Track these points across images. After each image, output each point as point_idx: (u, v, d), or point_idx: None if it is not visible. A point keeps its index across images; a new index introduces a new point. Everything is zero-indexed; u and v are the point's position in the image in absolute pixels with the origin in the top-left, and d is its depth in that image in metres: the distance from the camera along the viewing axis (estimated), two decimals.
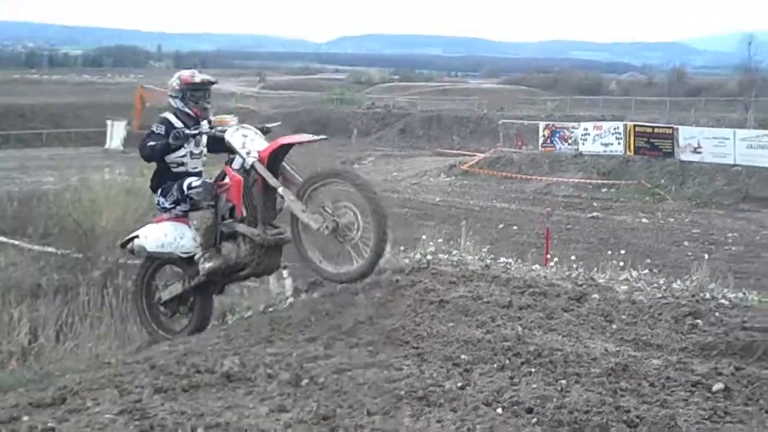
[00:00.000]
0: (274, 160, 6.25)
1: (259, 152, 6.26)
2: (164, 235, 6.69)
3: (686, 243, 18.16)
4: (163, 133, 6.46)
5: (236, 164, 6.36)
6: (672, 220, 21.41)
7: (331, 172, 6.22)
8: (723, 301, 5.80)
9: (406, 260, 7.02)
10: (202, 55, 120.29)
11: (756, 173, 25.01)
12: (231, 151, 6.40)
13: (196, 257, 6.61)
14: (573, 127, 32.63)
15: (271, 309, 6.78)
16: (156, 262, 6.98)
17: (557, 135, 32.76)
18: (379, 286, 6.14)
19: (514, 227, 20.98)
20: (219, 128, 6.51)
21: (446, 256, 7.17)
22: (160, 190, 6.76)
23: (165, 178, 6.73)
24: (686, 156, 27.22)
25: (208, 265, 6.53)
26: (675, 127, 28.74)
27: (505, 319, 5.28)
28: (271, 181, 6.17)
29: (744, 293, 6.20)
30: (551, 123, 35.10)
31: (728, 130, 27.78)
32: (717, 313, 5.39)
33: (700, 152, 26.84)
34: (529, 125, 36.15)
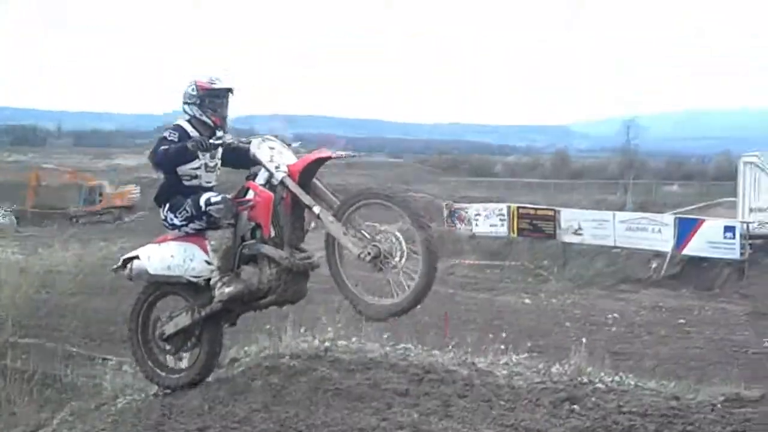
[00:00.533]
0: (306, 175, 5.71)
1: (288, 167, 5.72)
2: (171, 257, 6.03)
3: (568, 324, 18.58)
4: (176, 140, 5.87)
5: (261, 179, 5.79)
6: (554, 300, 22.05)
7: (376, 192, 5.56)
8: (600, 385, 5.92)
9: (305, 344, 6.99)
10: (104, 134, 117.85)
11: (634, 255, 26.09)
12: (253, 164, 5.88)
13: (213, 281, 5.93)
14: (467, 209, 33.51)
15: (163, 393, 6.37)
16: (156, 291, 6.32)
17: (455, 215, 33.57)
18: (276, 371, 6.10)
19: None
20: (243, 140, 5.98)
21: (345, 343, 7.15)
22: (168, 205, 6.08)
23: (174, 192, 6.06)
24: (568, 238, 28.23)
25: (227, 290, 5.85)
26: (557, 209, 29.76)
27: (401, 406, 5.35)
28: (305, 199, 5.63)
29: (620, 377, 6.36)
30: (450, 203, 36.00)
31: (608, 213, 28.96)
32: (594, 398, 5.51)
33: (581, 234, 27.89)
34: (434, 203, 36.78)
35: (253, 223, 5.84)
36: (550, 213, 29.41)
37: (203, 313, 6.08)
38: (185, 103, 6.13)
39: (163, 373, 6.37)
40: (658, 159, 69.78)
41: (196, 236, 6.12)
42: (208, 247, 6.13)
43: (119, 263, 6.30)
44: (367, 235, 5.46)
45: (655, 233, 25.96)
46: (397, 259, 5.33)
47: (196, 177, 6.09)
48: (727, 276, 23.68)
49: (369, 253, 5.36)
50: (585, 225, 27.96)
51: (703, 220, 25.30)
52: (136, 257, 6.18)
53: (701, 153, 77.35)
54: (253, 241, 5.85)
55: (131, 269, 6.20)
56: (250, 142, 5.92)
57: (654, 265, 25.30)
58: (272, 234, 5.78)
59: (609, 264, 26.11)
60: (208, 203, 5.85)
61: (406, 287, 5.34)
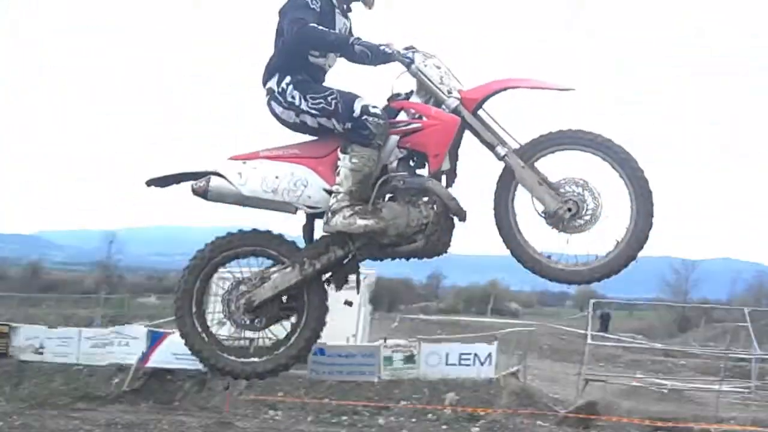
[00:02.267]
0: (477, 109, 4.80)
1: (462, 93, 4.81)
2: (275, 177, 4.77)
3: None
4: (318, 9, 4.78)
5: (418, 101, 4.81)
6: (1, 423, 20.19)
7: (573, 135, 4.72)
8: None
9: None
10: None
11: (97, 371, 25.26)
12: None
13: (336, 206, 4.65)
14: None
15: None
16: (236, 245, 4.86)
17: None
18: None
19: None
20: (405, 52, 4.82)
21: None
22: (292, 79, 4.87)
23: (299, 68, 4.89)
24: (27, 356, 26.16)
25: (363, 222, 4.61)
26: (13, 325, 27.54)
27: None
28: (486, 135, 4.79)
29: None
30: None
31: (74, 329, 27.63)
32: None
33: (41, 352, 26.06)
34: None
35: (404, 152, 4.81)
36: (4, 329, 26.94)
37: (320, 264, 4.81)
38: None
39: (240, 358, 4.93)
40: (138, 273, 70.31)
41: (314, 158, 4.87)
42: (333, 175, 4.77)
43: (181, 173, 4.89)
44: (563, 188, 4.71)
45: (122, 346, 25.21)
46: (596, 216, 4.67)
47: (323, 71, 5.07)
48: (188, 389, 24.08)
49: (569, 210, 4.63)
50: (47, 342, 26.16)
51: (169, 333, 25.53)
52: (215, 173, 4.84)
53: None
54: (405, 173, 4.79)
55: (208, 184, 4.83)
56: (412, 56, 4.82)
57: (116, 380, 24.70)
58: (447, 166, 4.83)
59: (68, 382, 24.88)
60: (366, 110, 4.71)
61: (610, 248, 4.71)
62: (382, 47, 4.81)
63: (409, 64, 4.85)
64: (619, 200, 4.73)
